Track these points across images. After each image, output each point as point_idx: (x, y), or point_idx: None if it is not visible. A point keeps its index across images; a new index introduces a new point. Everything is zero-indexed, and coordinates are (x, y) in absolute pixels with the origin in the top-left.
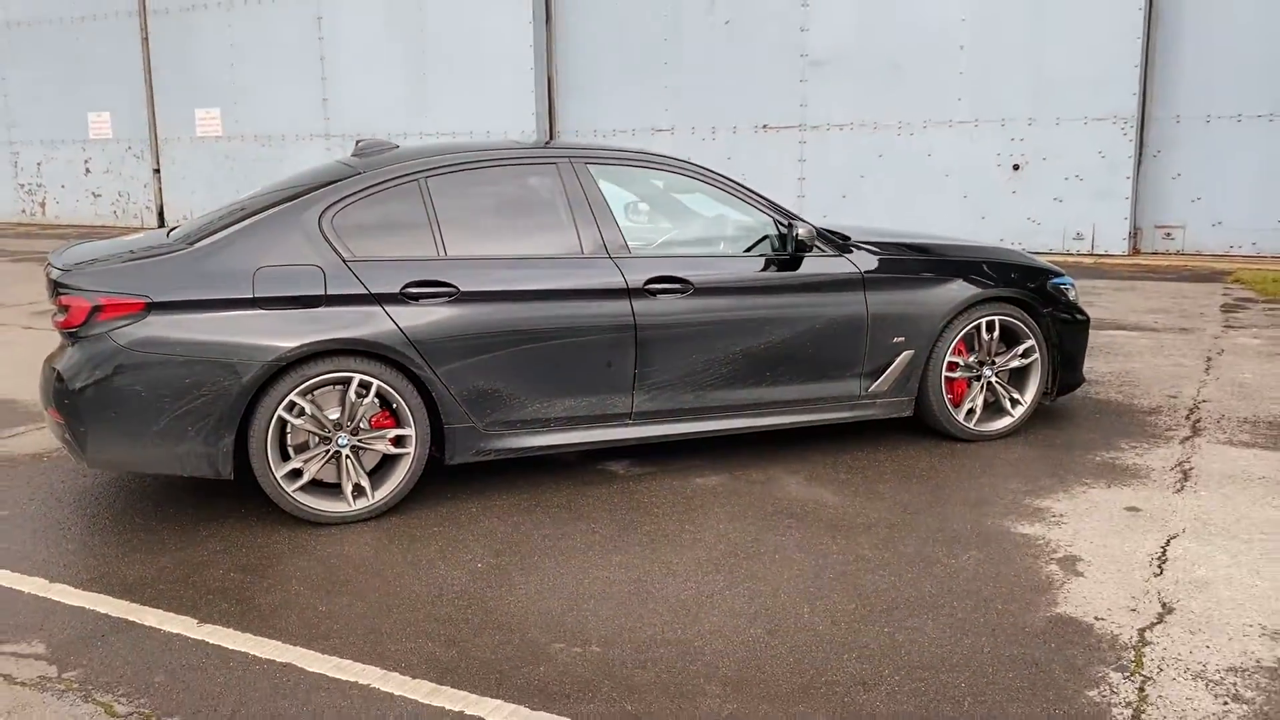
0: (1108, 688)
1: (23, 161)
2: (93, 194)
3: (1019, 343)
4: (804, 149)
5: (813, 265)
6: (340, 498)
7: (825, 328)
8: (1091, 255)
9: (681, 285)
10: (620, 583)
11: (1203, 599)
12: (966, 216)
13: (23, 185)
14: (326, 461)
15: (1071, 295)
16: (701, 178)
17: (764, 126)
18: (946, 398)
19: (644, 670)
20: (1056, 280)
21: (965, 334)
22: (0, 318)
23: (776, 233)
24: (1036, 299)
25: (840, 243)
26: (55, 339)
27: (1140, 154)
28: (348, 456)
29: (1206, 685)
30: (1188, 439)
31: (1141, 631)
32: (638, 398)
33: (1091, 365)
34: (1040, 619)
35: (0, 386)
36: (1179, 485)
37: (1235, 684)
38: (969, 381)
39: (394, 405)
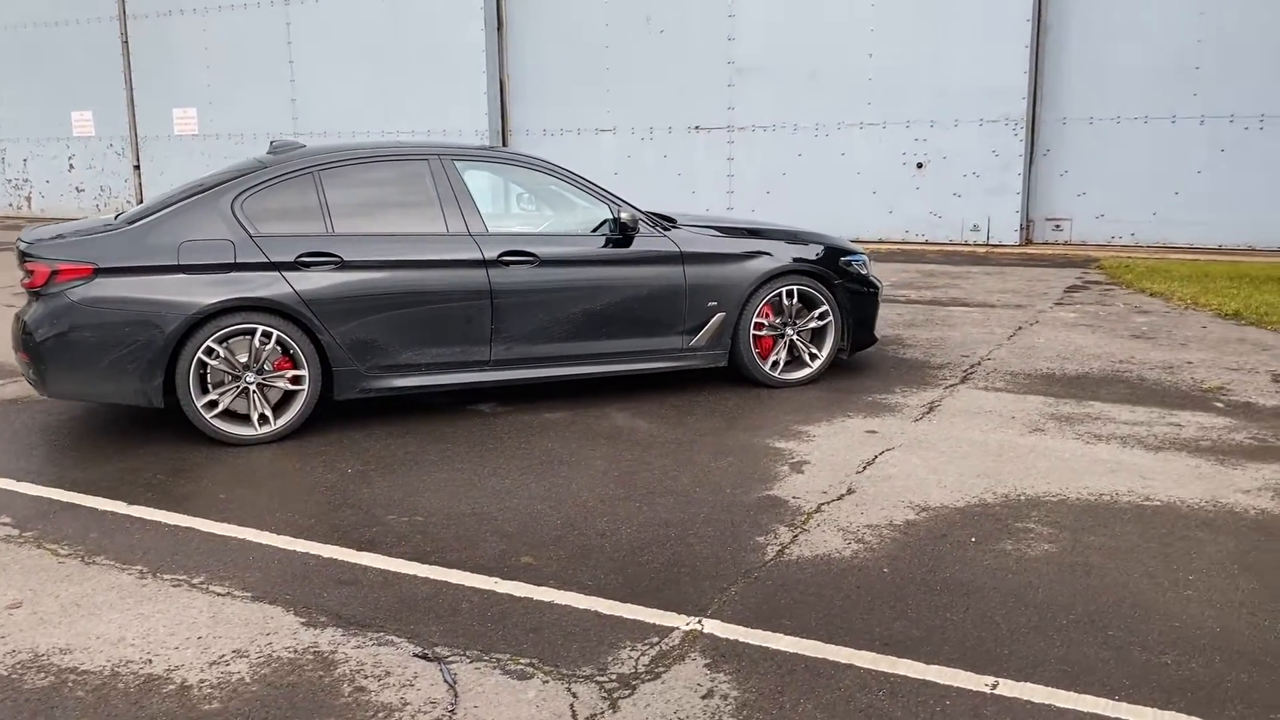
0: (773, 535)
1: (10, 158)
2: (76, 189)
3: (816, 307)
4: (732, 148)
5: (641, 243)
6: (248, 424)
7: (650, 293)
8: (986, 245)
9: (530, 258)
10: (455, 480)
11: (881, 486)
12: (876, 210)
13: (10, 181)
14: (237, 396)
15: (863, 269)
16: (550, 172)
17: (696, 127)
18: (755, 352)
19: (447, 529)
20: (848, 257)
21: (770, 299)
22: None
23: (613, 217)
24: (830, 272)
25: (666, 225)
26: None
27: (1031, 153)
28: (254, 391)
29: (842, 534)
30: (952, 385)
31: (820, 505)
32: (495, 348)
33: (914, 333)
34: (753, 498)
35: None
36: (919, 416)
37: (864, 533)
38: (774, 339)
39: (291, 351)
